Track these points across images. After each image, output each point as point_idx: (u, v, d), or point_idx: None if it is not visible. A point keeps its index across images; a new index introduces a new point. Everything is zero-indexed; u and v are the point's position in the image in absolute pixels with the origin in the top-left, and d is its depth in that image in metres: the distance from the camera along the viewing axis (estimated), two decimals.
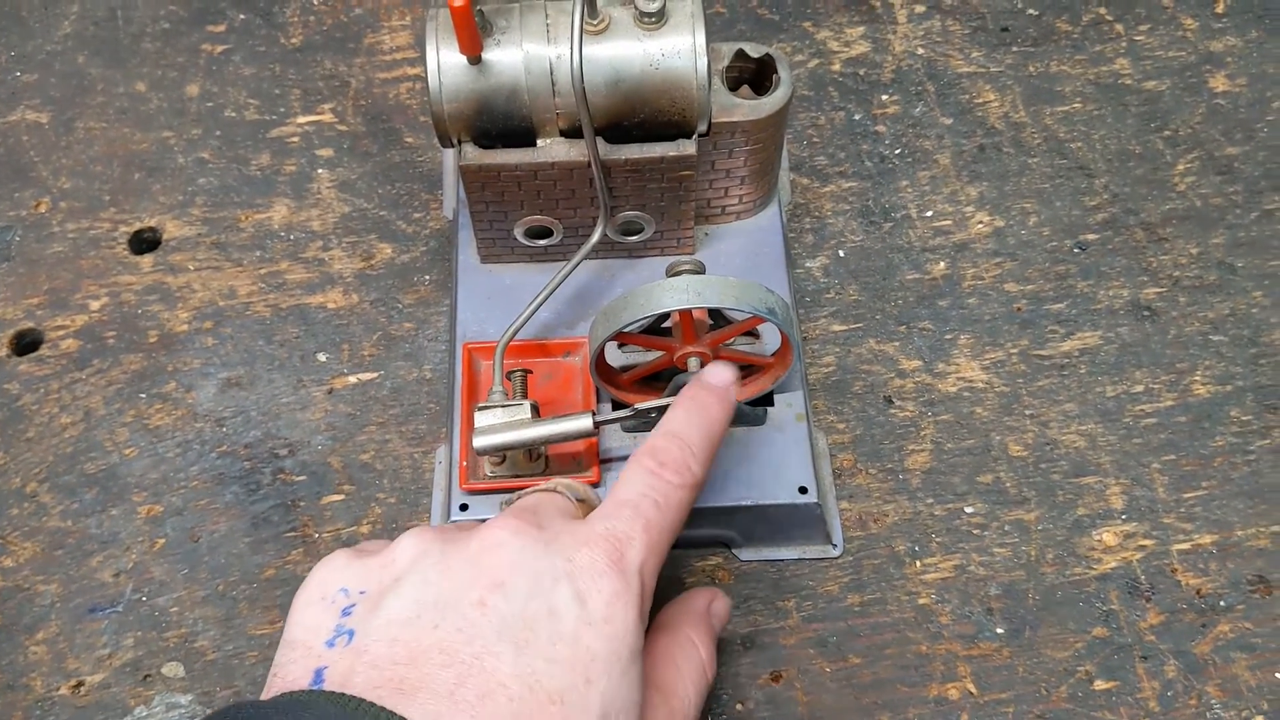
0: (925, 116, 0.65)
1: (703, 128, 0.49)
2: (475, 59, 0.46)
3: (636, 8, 0.47)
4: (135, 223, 0.62)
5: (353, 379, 0.57)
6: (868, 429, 0.55)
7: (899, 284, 0.59)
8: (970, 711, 0.49)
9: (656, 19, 0.47)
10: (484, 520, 0.37)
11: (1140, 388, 0.56)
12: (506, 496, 0.44)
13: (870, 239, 0.61)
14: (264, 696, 0.33)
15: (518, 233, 0.53)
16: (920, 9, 0.69)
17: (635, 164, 0.49)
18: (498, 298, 0.54)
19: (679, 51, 0.47)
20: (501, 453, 0.49)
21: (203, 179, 0.63)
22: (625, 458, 0.50)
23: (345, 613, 0.34)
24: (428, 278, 0.60)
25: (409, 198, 0.63)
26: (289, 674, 0.34)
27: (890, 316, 0.58)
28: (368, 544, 0.38)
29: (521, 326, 0.50)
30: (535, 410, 0.47)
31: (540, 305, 0.50)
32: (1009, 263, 0.60)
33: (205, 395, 0.57)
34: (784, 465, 0.50)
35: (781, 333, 0.48)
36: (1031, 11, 0.68)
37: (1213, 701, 0.48)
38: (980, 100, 0.65)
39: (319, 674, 0.33)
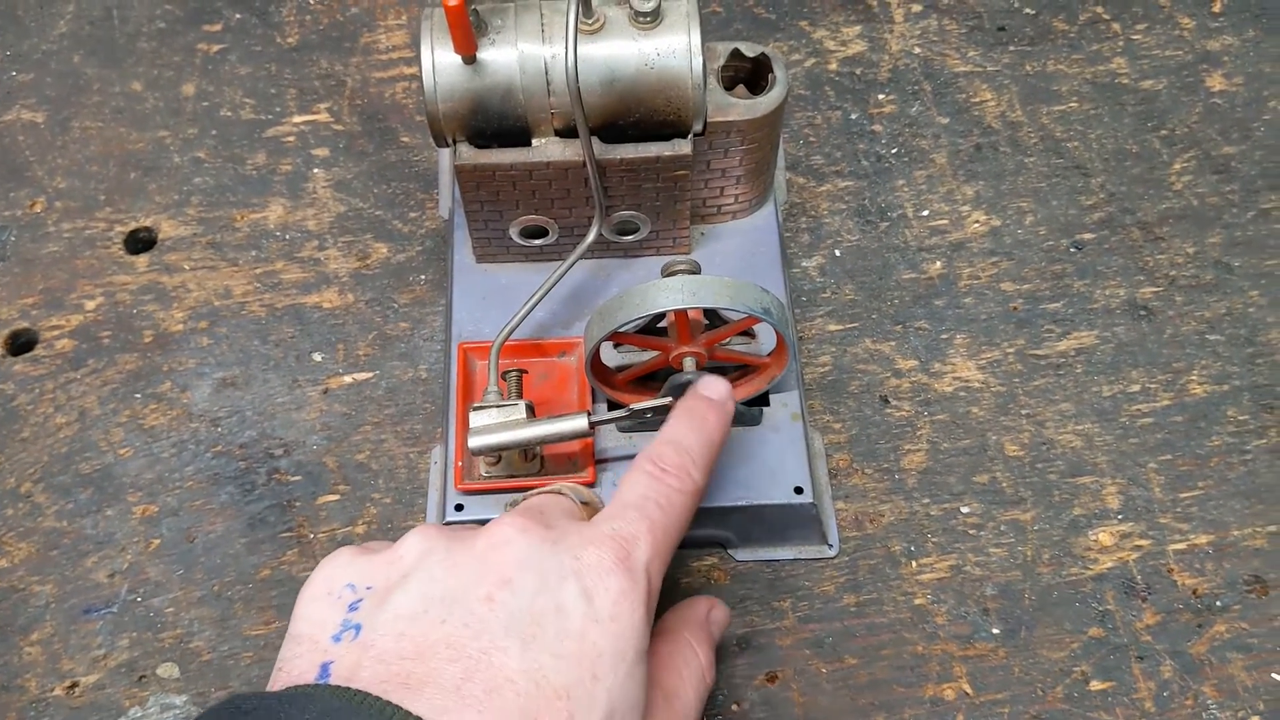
0: (922, 116, 0.65)
1: (698, 127, 0.49)
2: (470, 58, 0.46)
3: (631, 7, 0.46)
4: (131, 222, 0.62)
5: (348, 379, 0.57)
6: (864, 429, 0.55)
7: (895, 283, 0.59)
8: (966, 712, 0.48)
9: (651, 18, 0.47)
10: (483, 520, 0.37)
11: (1137, 387, 0.56)
12: (512, 498, 0.44)
13: (866, 238, 0.61)
14: (270, 688, 0.33)
15: (513, 232, 0.53)
16: (917, 8, 0.69)
17: (630, 164, 0.49)
18: (493, 297, 0.54)
19: (674, 51, 0.47)
20: (497, 453, 0.49)
21: (198, 178, 0.63)
22: (621, 458, 0.50)
23: (352, 608, 0.34)
24: (423, 277, 0.60)
25: (405, 197, 0.63)
26: (295, 668, 0.34)
27: (886, 316, 0.58)
28: (372, 543, 0.38)
29: (517, 326, 0.49)
30: (530, 410, 0.47)
31: (535, 305, 0.50)
32: (1005, 262, 0.60)
33: (200, 395, 0.57)
34: (779, 465, 0.50)
35: (777, 333, 0.48)
36: (1028, 11, 0.68)
37: (1209, 702, 0.48)
38: (977, 99, 0.65)
39: (325, 668, 0.33)
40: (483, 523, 0.42)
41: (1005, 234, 0.61)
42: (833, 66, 0.66)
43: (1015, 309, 0.58)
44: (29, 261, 0.61)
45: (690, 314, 0.48)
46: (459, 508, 0.49)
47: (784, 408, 0.51)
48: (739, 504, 0.49)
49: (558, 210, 0.52)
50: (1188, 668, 0.49)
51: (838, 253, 0.60)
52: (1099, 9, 0.68)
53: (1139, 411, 0.55)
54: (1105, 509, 0.53)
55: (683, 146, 0.49)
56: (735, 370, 0.52)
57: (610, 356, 0.52)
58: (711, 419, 0.43)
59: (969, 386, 0.56)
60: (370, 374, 0.57)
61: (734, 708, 0.49)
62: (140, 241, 0.62)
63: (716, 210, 0.56)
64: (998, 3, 0.69)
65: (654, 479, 0.39)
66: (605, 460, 0.50)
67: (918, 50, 0.67)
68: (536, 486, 0.45)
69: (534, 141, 0.49)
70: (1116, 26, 0.68)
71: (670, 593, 0.51)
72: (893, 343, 0.57)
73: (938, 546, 0.52)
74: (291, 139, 0.64)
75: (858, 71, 0.66)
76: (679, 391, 0.48)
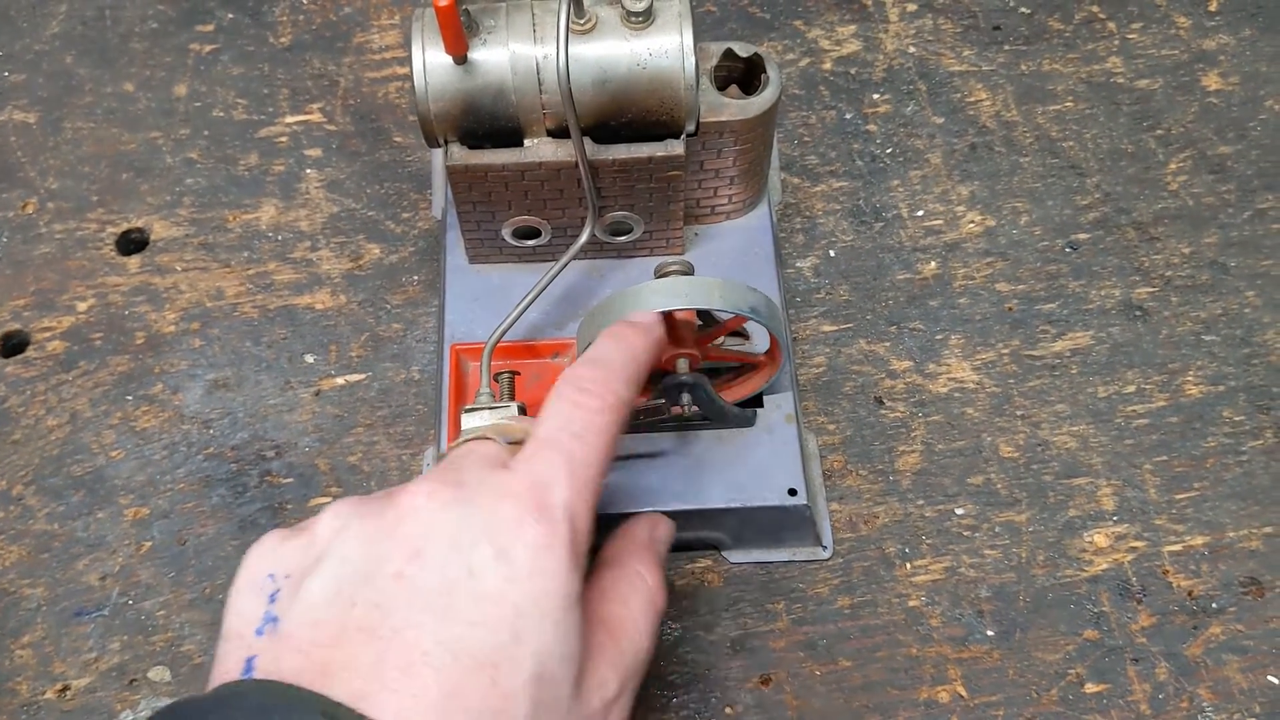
0: (916, 115, 0.64)
1: (691, 128, 0.49)
2: (461, 59, 0.46)
3: (624, 7, 0.46)
4: (123, 223, 0.62)
5: (340, 380, 0.57)
6: (858, 430, 0.55)
7: (890, 284, 0.59)
8: (960, 714, 0.48)
9: (644, 18, 0.46)
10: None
11: (1132, 388, 0.56)
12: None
13: (861, 239, 0.60)
14: (206, 688, 0.33)
15: (506, 233, 0.53)
16: (912, 7, 0.68)
17: (623, 164, 0.49)
18: (486, 299, 0.54)
19: (666, 51, 0.47)
20: None
21: (191, 179, 0.63)
22: (615, 457, 0.50)
23: (271, 599, 0.34)
24: (416, 278, 0.60)
25: (397, 198, 0.62)
26: (224, 665, 0.33)
27: (881, 317, 0.58)
28: (303, 522, 0.37)
29: (509, 328, 0.49)
30: (523, 412, 0.47)
31: (528, 306, 0.49)
32: (1000, 262, 0.60)
33: (192, 397, 0.57)
34: (773, 467, 0.50)
35: (770, 333, 0.47)
36: (1023, 10, 0.68)
37: (1204, 704, 0.48)
38: (972, 99, 0.65)
39: (249, 663, 0.33)
40: None
41: (1000, 234, 0.60)
42: (827, 66, 0.66)
43: (1010, 309, 0.58)
44: (20, 263, 0.60)
45: (682, 315, 0.48)
46: None
47: (778, 409, 0.51)
48: (732, 506, 0.49)
49: (550, 211, 0.51)
50: (1183, 670, 0.49)
51: (832, 253, 0.60)
52: (1094, 8, 0.68)
53: (1134, 412, 0.55)
54: (1100, 510, 0.53)
55: (675, 147, 0.49)
56: (730, 372, 0.52)
57: None
58: (635, 338, 0.41)
59: (964, 387, 0.56)
60: (363, 375, 0.57)
61: (727, 710, 0.49)
62: (132, 242, 0.61)
63: (710, 211, 0.55)
64: (993, 2, 0.69)
65: (572, 405, 0.37)
66: None
67: (912, 50, 0.67)
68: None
69: (526, 142, 0.49)
70: (1112, 25, 0.67)
71: (668, 594, 0.51)
72: (887, 343, 0.57)
73: (932, 548, 0.52)
74: (284, 139, 0.64)
75: (852, 71, 0.66)
76: (674, 394, 0.48)
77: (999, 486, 0.53)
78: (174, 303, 0.59)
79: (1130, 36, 0.67)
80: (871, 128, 0.64)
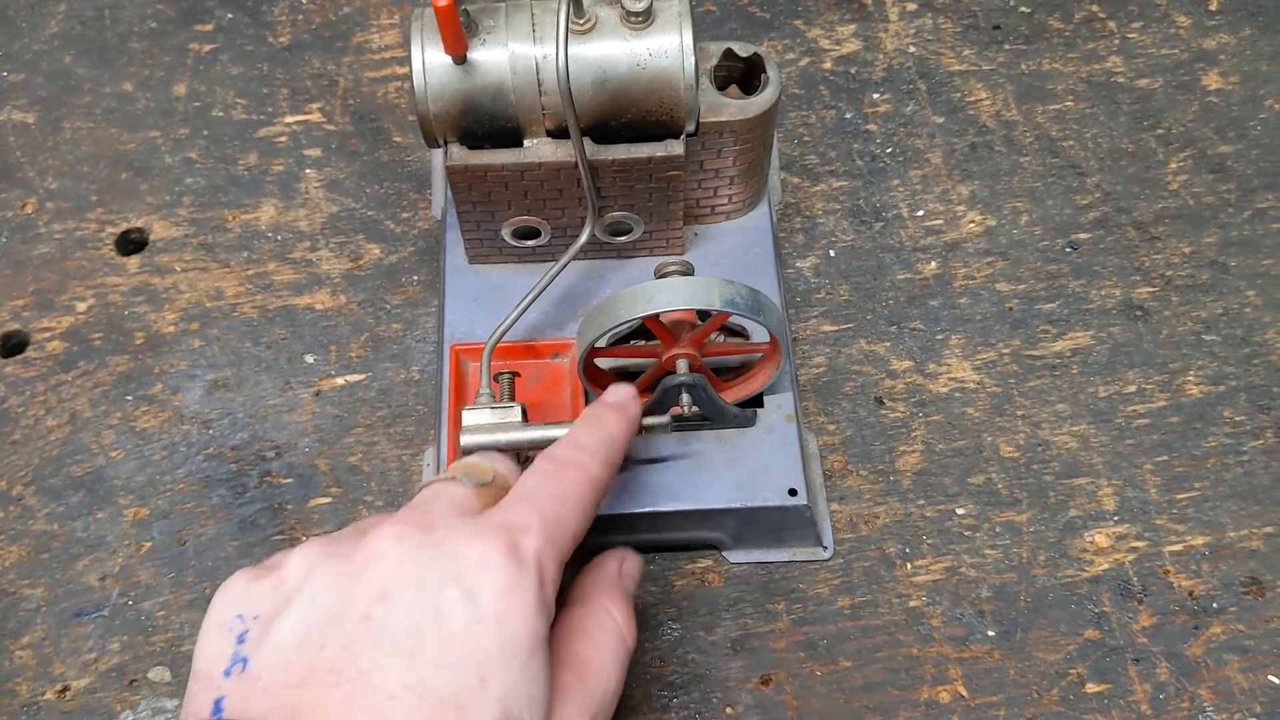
0: (916, 115, 0.64)
1: (690, 127, 0.49)
2: (460, 59, 0.46)
3: (623, 7, 0.46)
4: (122, 223, 0.62)
5: (340, 381, 0.57)
6: (858, 430, 0.55)
7: (890, 284, 0.59)
8: (961, 714, 0.48)
9: (643, 18, 0.46)
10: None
11: (1132, 388, 0.56)
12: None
13: (861, 238, 0.60)
14: None
15: (505, 233, 0.53)
16: (912, 7, 0.68)
17: (623, 164, 0.49)
18: (486, 299, 0.54)
19: (666, 51, 0.47)
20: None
21: (190, 179, 0.63)
22: None
23: (240, 640, 0.34)
24: (416, 278, 0.60)
25: (397, 197, 0.62)
26: (193, 706, 0.34)
27: (881, 316, 0.58)
28: (272, 558, 0.37)
29: (509, 328, 0.49)
30: (524, 414, 0.47)
31: (528, 307, 0.49)
32: (1000, 262, 0.59)
33: (192, 397, 0.56)
34: (774, 467, 0.50)
35: (770, 333, 0.47)
36: (1024, 9, 0.68)
37: (1205, 704, 0.48)
38: (972, 99, 0.65)
39: (218, 704, 0.33)
40: None
41: (1000, 234, 0.60)
42: (827, 65, 0.66)
43: (1010, 309, 0.58)
44: (20, 263, 0.60)
45: (680, 315, 0.48)
46: None
47: (778, 409, 0.51)
48: (733, 506, 0.49)
49: (550, 211, 0.51)
50: (1184, 670, 0.49)
51: (832, 253, 0.60)
52: (1094, 7, 0.68)
53: (1135, 412, 0.55)
54: (1101, 510, 0.53)
55: (675, 147, 0.49)
56: (730, 372, 0.52)
57: (606, 360, 0.52)
58: (609, 417, 0.43)
59: (964, 387, 0.56)
60: (362, 376, 0.57)
61: (728, 711, 0.49)
62: (131, 243, 0.61)
63: (710, 211, 0.55)
64: (993, 1, 0.68)
65: (547, 474, 0.38)
66: None
67: (912, 49, 0.67)
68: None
69: (525, 142, 0.48)
70: (1112, 25, 0.67)
71: (668, 593, 0.51)
72: (887, 343, 0.57)
73: (933, 548, 0.52)
74: (283, 139, 0.64)
75: (852, 71, 0.66)
76: (674, 393, 0.48)
77: (999, 486, 0.53)
78: (173, 303, 0.59)
79: (1130, 36, 0.67)
80: (871, 127, 0.64)
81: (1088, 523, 0.52)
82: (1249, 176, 0.62)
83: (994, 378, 0.56)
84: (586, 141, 0.48)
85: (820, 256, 0.60)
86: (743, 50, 0.52)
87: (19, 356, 0.58)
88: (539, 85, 0.47)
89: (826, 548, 0.52)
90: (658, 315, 0.46)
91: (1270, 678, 0.49)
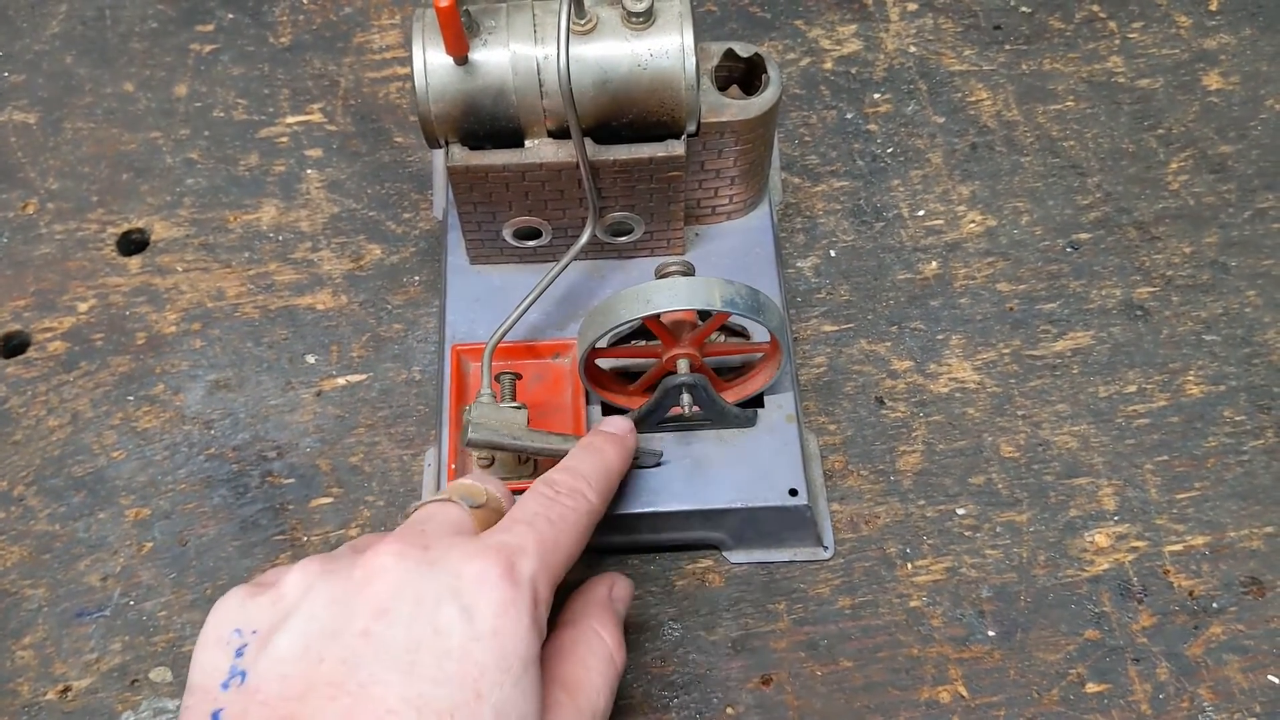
0: (917, 115, 0.64)
1: (691, 128, 0.49)
2: (462, 59, 0.46)
3: (624, 7, 0.46)
4: (123, 224, 0.62)
5: (341, 381, 0.57)
6: (859, 430, 0.55)
7: (890, 284, 0.59)
8: (961, 714, 0.48)
9: (644, 19, 0.46)
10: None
11: (1133, 388, 0.56)
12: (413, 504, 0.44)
13: (862, 238, 0.60)
14: None
15: (506, 234, 0.53)
16: (912, 7, 0.68)
17: (624, 165, 0.49)
18: (487, 299, 0.54)
19: (667, 51, 0.47)
20: (491, 454, 0.49)
21: (191, 179, 0.63)
22: None
23: (239, 654, 0.34)
24: (417, 279, 0.60)
25: (398, 198, 0.62)
26: (190, 718, 0.34)
27: (882, 316, 0.58)
28: (267, 574, 0.38)
29: (510, 328, 0.49)
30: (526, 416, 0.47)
31: (529, 307, 0.49)
32: (1001, 262, 0.60)
33: (193, 397, 0.57)
34: (774, 467, 0.50)
35: (771, 333, 0.47)
36: (1024, 9, 0.68)
37: (1205, 704, 0.48)
38: (972, 99, 0.65)
39: (215, 716, 0.33)
40: None
41: (1001, 234, 0.60)
42: (828, 65, 0.66)
43: (1011, 309, 0.58)
44: (21, 263, 0.60)
45: (681, 315, 0.48)
46: None
47: (778, 409, 0.51)
48: (733, 506, 0.49)
49: (551, 211, 0.51)
50: (1184, 670, 0.49)
51: (833, 253, 0.60)
52: (1095, 7, 0.68)
53: (1135, 412, 0.55)
54: (1101, 510, 0.53)
55: (676, 147, 0.49)
56: (731, 372, 0.52)
57: (607, 360, 0.52)
58: (608, 449, 0.44)
59: (964, 387, 0.56)
60: (364, 376, 0.57)
61: (728, 711, 0.49)
62: (133, 243, 0.61)
63: (711, 211, 0.55)
64: (994, 1, 0.69)
65: (545, 498, 0.40)
66: None
67: (913, 49, 0.67)
68: (529, 489, 0.45)
69: (527, 143, 0.49)
70: (1113, 25, 0.67)
71: (668, 593, 0.51)
72: (888, 343, 0.57)
73: (933, 548, 0.52)
74: (285, 140, 0.64)
75: (853, 71, 0.66)
76: (674, 393, 0.48)
77: (1000, 486, 0.53)
78: (175, 303, 0.59)
79: (1131, 36, 0.67)
80: (872, 127, 0.64)
81: (1088, 523, 0.52)
82: (1249, 176, 0.62)
83: (994, 378, 0.56)
84: (587, 142, 0.48)
85: (821, 256, 0.60)
86: (744, 50, 0.52)
87: (20, 357, 0.58)
88: (540, 86, 0.47)
89: (827, 548, 0.52)
90: (658, 315, 0.46)
91: (1270, 678, 0.49)
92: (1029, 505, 0.53)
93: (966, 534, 0.52)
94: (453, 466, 0.49)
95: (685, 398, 0.48)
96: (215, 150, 0.64)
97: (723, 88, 0.53)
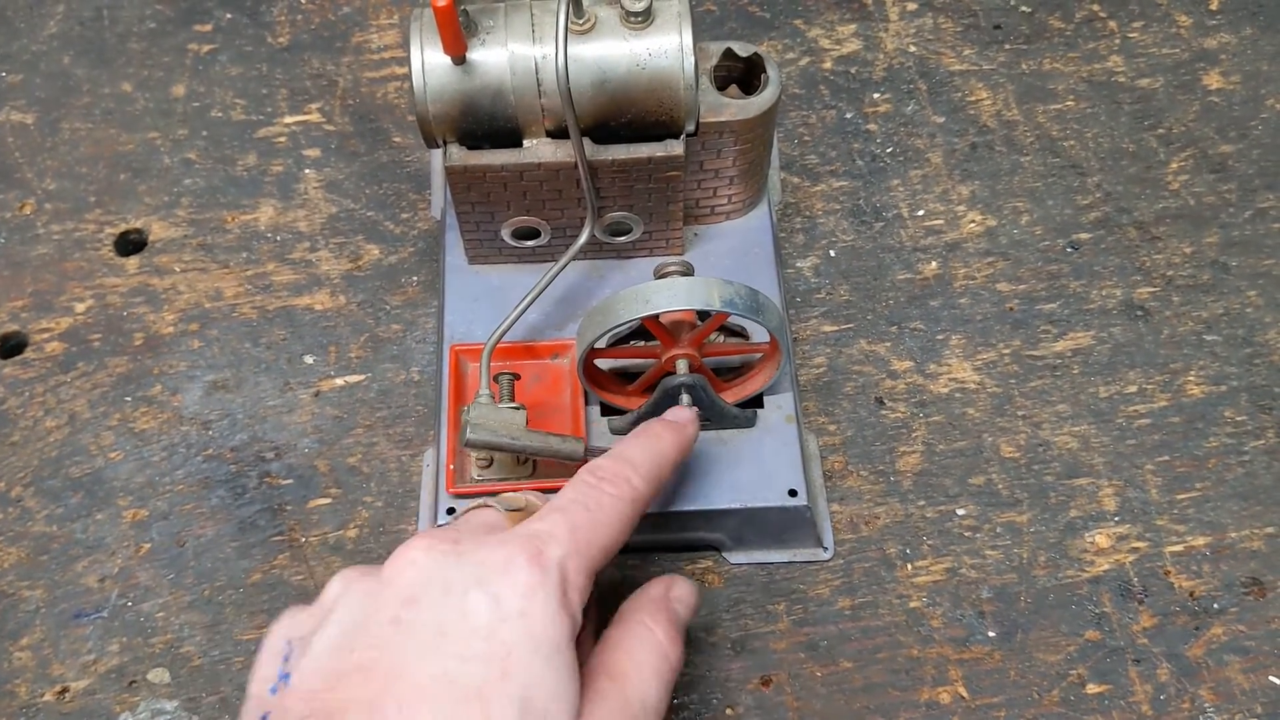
0: (917, 115, 0.64)
1: (690, 128, 0.49)
2: (460, 59, 0.46)
3: (623, 7, 0.46)
4: (121, 224, 0.62)
5: (340, 381, 0.57)
6: (859, 430, 0.55)
7: (890, 284, 0.59)
8: (961, 715, 0.48)
9: (643, 18, 0.46)
10: None
11: (1133, 388, 0.56)
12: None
13: (861, 238, 0.60)
14: None
15: (505, 234, 0.53)
16: (912, 7, 0.68)
17: (622, 164, 0.48)
18: (485, 299, 0.54)
19: (665, 51, 0.46)
20: (489, 455, 0.49)
21: (189, 180, 0.63)
22: None
23: (285, 659, 0.36)
24: (415, 279, 0.60)
25: (397, 198, 0.62)
26: None
27: (881, 317, 0.58)
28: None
29: (509, 328, 0.49)
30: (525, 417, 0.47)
31: (528, 307, 0.49)
32: (1001, 262, 0.59)
33: (191, 398, 0.56)
34: (774, 468, 0.50)
35: (770, 333, 0.47)
36: (1024, 9, 0.68)
37: (1206, 705, 0.48)
38: (972, 98, 0.65)
39: (265, 719, 0.34)
40: None
41: (1001, 234, 0.60)
42: (827, 65, 0.66)
43: (1011, 309, 0.58)
44: (18, 264, 0.60)
45: (680, 315, 0.47)
46: (451, 511, 0.49)
47: (778, 410, 0.51)
48: (733, 506, 0.49)
49: (549, 211, 0.51)
50: (1184, 670, 0.49)
51: (832, 253, 0.60)
52: (1095, 7, 0.68)
53: (1136, 412, 0.55)
54: (1102, 511, 0.53)
55: (675, 147, 0.48)
56: (730, 372, 0.52)
57: (605, 360, 0.51)
58: (665, 436, 0.43)
59: (964, 388, 0.56)
60: (362, 376, 0.57)
61: (728, 711, 0.48)
62: (130, 243, 0.61)
63: (710, 211, 0.55)
64: (993, 1, 0.68)
65: (587, 485, 0.39)
66: None
67: (913, 49, 0.67)
68: (529, 489, 0.45)
69: (525, 142, 0.48)
70: (1113, 24, 0.67)
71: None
72: (888, 344, 0.57)
73: (933, 549, 0.52)
74: (283, 140, 0.64)
75: (852, 70, 0.66)
76: (674, 394, 0.48)
77: (1000, 487, 0.53)
78: (172, 304, 0.59)
79: (1131, 35, 0.67)
80: (872, 127, 0.64)
81: (1088, 523, 0.52)
82: (1250, 176, 0.62)
83: (994, 378, 0.56)
84: (586, 142, 0.48)
85: (820, 256, 0.60)
86: (743, 50, 0.52)
87: (18, 357, 0.58)
88: (538, 85, 0.46)
89: (827, 548, 0.52)
90: (657, 316, 0.45)
91: (1271, 678, 0.49)
92: (1029, 506, 0.53)
93: (966, 534, 0.52)
94: (451, 467, 0.49)
95: (685, 398, 0.48)
96: (213, 150, 0.64)
97: (722, 87, 0.53)
